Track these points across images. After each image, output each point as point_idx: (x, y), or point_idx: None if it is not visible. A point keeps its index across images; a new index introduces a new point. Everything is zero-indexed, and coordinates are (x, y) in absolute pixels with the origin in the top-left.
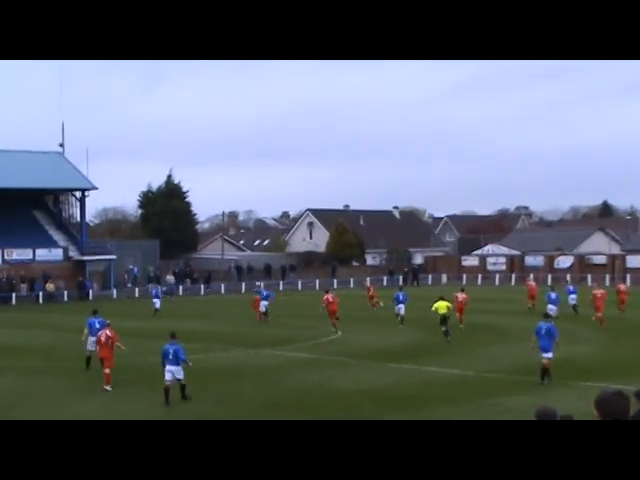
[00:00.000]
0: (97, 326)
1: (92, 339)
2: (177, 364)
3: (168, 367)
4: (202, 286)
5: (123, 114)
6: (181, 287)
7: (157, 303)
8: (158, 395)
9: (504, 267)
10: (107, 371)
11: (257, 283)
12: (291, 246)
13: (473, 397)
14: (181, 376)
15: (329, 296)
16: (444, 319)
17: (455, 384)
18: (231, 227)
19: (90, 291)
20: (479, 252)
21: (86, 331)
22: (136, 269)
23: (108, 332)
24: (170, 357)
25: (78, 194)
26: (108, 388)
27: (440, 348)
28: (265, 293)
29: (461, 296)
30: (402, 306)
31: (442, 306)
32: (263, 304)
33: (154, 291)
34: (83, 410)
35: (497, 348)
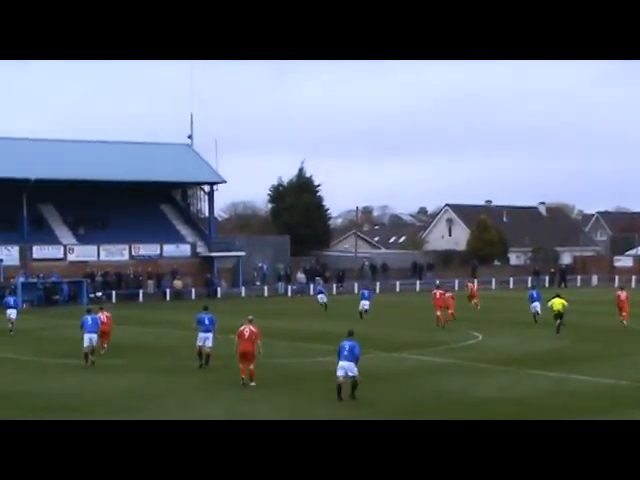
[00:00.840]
0: (206, 322)
1: (201, 335)
2: (351, 359)
3: (340, 363)
4: (334, 285)
5: (253, 106)
6: (312, 286)
7: (323, 298)
8: (284, 397)
9: None
10: (252, 367)
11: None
12: (429, 244)
13: (628, 409)
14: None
15: (437, 291)
16: (558, 315)
17: (607, 394)
18: (365, 223)
19: (218, 289)
20: (633, 252)
21: (196, 327)
22: (265, 266)
23: (252, 327)
24: (345, 353)
25: (207, 188)
26: (253, 384)
27: (589, 354)
28: (366, 293)
29: (623, 294)
30: (538, 304)
31: (557, 303)
32: (363, 304)
33: (318, 288)
34: (211, 411)
35: None
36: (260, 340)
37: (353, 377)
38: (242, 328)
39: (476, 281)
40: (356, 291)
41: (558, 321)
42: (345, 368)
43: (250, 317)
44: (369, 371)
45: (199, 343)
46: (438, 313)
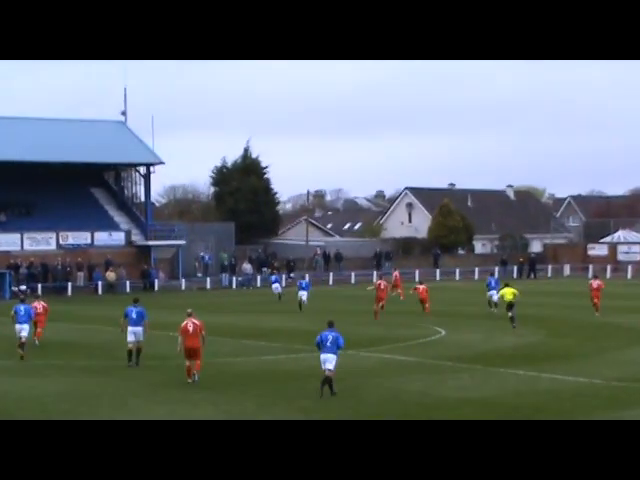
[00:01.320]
0: (134, 316)
1: (130, 330)
2: (334, 352)
3: (323, 356)
4: (283, 276)
5: (194, 80)
6: (259, 277)
7: (277, 288)
8: (230, 399)
9: (639, 257)
10: (198, 361)
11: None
12: (387, 231)
13: (602, 409)
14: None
15: (381, 282)
16: (510, 306)
17: (579, 394)
18: (317, 208)
19: (156, 281)
20: (609, 239)
21: (123, 321)
22: (208, 256)
23: (194, 320)
24: (328, 344)
25: (142, 169)
26: (196, 378)
27: (561, 351)
28: (304, 283)
29: (595, 283)
30: (494, 292)
31: (508, 293)
32: (301, 295)
33: (273, 277)
34: (151, 415)
35: (631, 352)
36: (204, 332)
37: (331, 371)
38: (184, 323)
39: (438, 271)
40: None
41: (510, 313)
42: (329, 360)
43: (189, 310)
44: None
45: (129, 339)
46: (375, 307)
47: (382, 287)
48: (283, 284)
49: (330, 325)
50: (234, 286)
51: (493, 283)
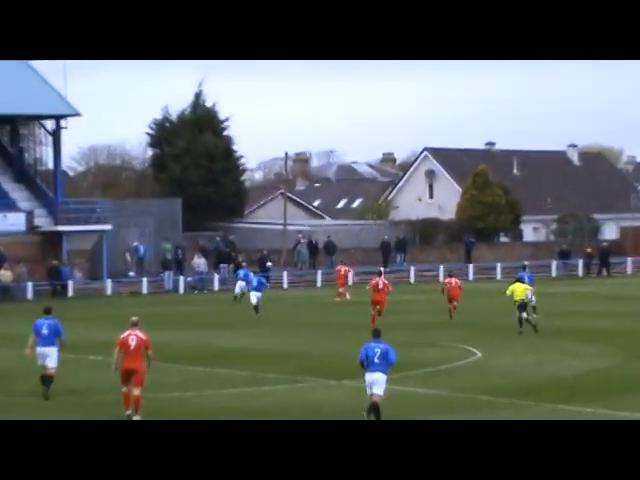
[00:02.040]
0: (45, 332)
1: (40, 351)
2: (384, 370)
3: (369, 376)
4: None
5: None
6: (217, 277)
7: (238, 287)
8: None
9: None
10: (137, 393)
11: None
12: (399, 210)
13: None
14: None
15: (379, 280)
16: (523, 306)
17: None
18: (299, 179)
19: (69, 283)
20: None
21: (32, 340)
22: (144, 247)
23: (139, 334)
24: (376, 360)
25: (50, 124)
26: (137, 417)
27: None
28: (256, 280)
29: None
30: (530, 294)
31: (519, 290)
32: (254, 296)
33: (243, 272)
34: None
35: None
36: (151, 351)
37: (379, 396)
38: (125, 335)
39: (472, 267)
40: (285, 285)
41: (523, 314)
42: (376, 382)
43: (134, 319)
44: (316, 409)
45: (40, 362)
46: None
47: (380, 286)
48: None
49: (376, 335)
50: (181, 290)
51: (527, 279)
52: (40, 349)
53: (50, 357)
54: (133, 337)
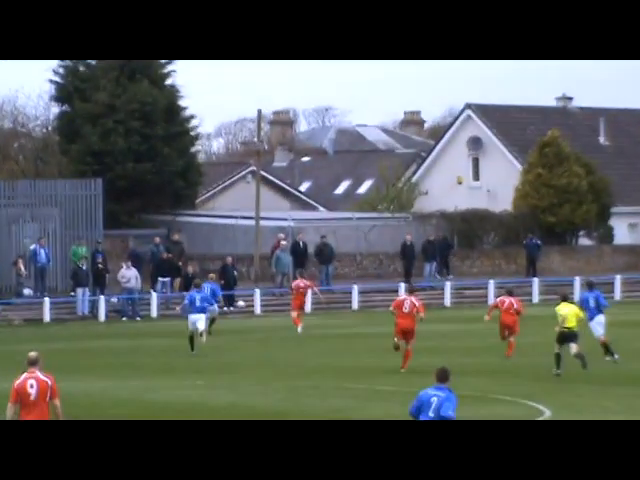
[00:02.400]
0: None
1: None
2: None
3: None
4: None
5: None
6: (154, 295)
7: (197, 320)
8: None
9: None
10: None
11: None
12: (429, 197)
13: None
14: None
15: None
16: (569, 336)
17: None
18: (279, 149)
19: None
20: None
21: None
22: (45, 252)
23: (41, 377)
24: (431, 414)
25: None
26: None
27: None
28: (199, 298)
29: None
30: (601, 321)
31: (571, 313)
32: (202, 317)
33: (193, 295)
34: None
35: None
36: (58, 400)
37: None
38: (21, 380)
39: (537, 282)
40: (257, 309)
41: (574, 350)
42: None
43: (33, 354)
44: None
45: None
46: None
47: (406, 309)
48: (215, 309)
49: (441, 379)
50: (101, 315)
51: (591, 303)
52: None
53: None
54: (32, 382)
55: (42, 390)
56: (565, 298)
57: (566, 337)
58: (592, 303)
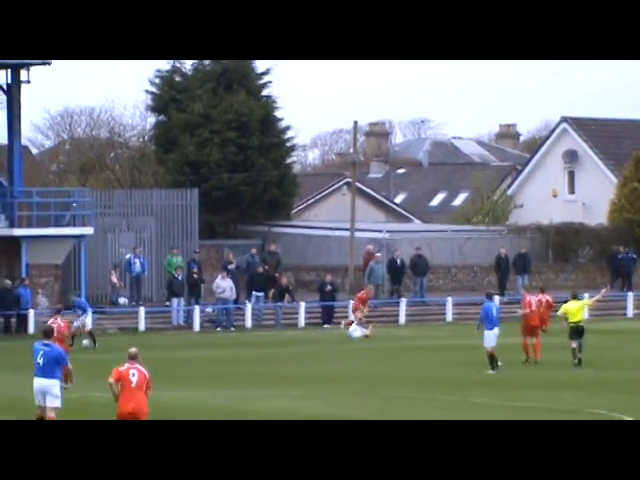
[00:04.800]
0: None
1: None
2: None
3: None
4: (302, 308)
5: None
6: (249, 305)
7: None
8: None
9: None
10: None
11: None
12: (524, 210)
13: None
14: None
15: (534, 297)
16: (577, 330)
17: None
18: (374, 161)
19: (31, 313)
20: None
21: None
22: (140, 261)
23: (141, 368)
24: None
25: (2, 76)
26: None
27: None
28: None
29: None
30: (494, 336)
31: (575, 309)
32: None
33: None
34: None
35: None
36: (150, 392)
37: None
38: (125, 369)
39: (631, 297)
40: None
41: (574, 344)
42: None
43: (133, 350)
44: None
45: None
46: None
47: (533, 307)
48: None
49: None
50: (196, 325)
51: (494, 313)
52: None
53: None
54: (134, 372)
55: (141, 380)
56: (575, 295)
57: (577, 332)
58: (495, 313)
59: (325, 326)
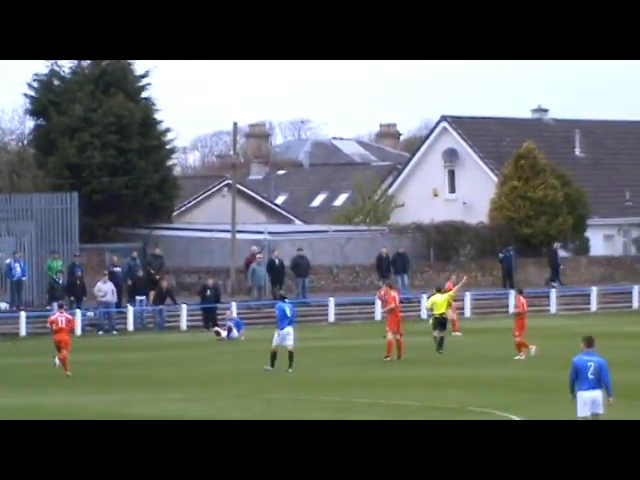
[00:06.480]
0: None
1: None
2: (599, 387)
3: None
4: (184, 311)
5: None
6: (131, 309)
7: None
8: None
9: None
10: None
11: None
12: (405, 210)
13: None
14: None
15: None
16: (441, 322)
17: None
18: (255, 162)
19: None
20: None
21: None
22: (21, 266)
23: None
24: (589, 375)
25: None
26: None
27: None
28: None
29: None
30: (288, 335)
31: (441, 302)
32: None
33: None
34: None
35: None
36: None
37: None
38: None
39: (512, 297)
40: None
41: (437, 333)
42: (592, 402)
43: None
44: None
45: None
46: (390, 336)
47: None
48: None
49: (588, 344)
50: (78, 329)
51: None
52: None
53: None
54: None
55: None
56: (439, 289)
57: (441, 323)
58: (289, 314)
59: (208, 330)
